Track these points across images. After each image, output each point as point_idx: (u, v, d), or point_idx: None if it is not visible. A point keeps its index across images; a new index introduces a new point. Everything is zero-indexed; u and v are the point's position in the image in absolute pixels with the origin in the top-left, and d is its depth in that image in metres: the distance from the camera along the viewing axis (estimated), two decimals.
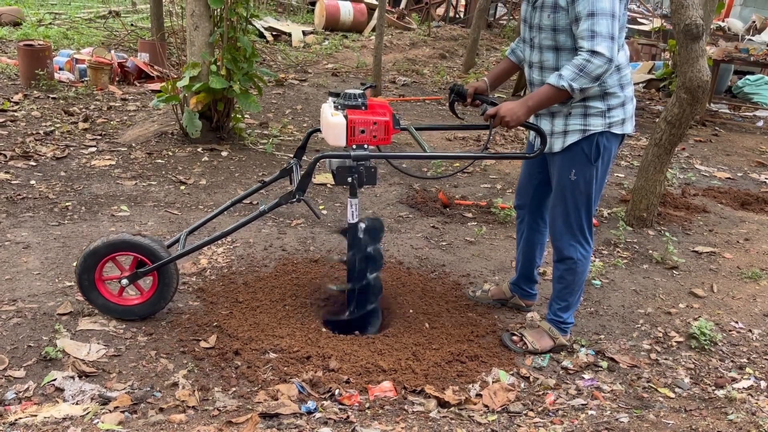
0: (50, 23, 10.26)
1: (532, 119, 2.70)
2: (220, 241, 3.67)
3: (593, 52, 2.34)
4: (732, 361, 2.98)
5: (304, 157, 2.97)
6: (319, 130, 2.78)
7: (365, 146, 2.57)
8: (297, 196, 2.64)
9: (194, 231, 3.06)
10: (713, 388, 2.76)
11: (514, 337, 2.93)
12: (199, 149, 5.26)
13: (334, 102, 2.64)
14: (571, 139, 2.59)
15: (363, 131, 2.54)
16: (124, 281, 2.78)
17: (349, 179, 2.61)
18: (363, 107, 2.59)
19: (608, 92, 2.55)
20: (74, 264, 2.86)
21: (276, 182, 3.04)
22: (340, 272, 3.37)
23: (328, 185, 4.76)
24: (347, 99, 2.59)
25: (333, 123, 2.53)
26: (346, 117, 2.53)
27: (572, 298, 2.86)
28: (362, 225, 2.79)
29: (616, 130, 2.60)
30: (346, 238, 2.83)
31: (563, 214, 2.72)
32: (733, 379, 2.82)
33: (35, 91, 6.50)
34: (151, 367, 2.55)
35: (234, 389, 2.47)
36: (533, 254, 3.11)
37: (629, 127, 2.65)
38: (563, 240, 2.76)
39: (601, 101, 2.55)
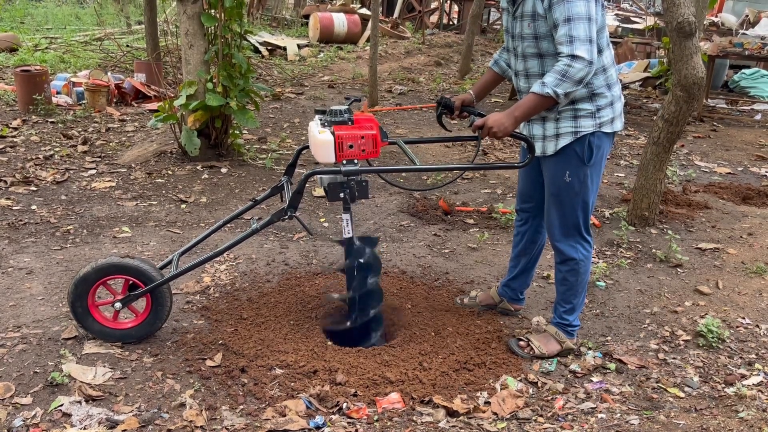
0: (46, 48, 10.33)
1: (523, 125, 2.72)
2: (222, 258, 3.68)
3: (573, 57, 2.37)
4: (741, 358, 2.96)
5: (300, 170, 2.98)
6: (308, 148, 2.79)
7: (355, 161, 2.58)
8: (289, 213, 2.66)
9: (187, 252, 3.06)
10: (723, 385, 2.74)
11: (521, 343, 2.93)
12: (199, 167, 5.27)
13: (321, 119, 2.66)
14: (564, 141, 2.61)
15: (351, 146, 2.56)
16: (118, 305, 2.75)
17: (342, 194, 2.63)
18: (349, 122, 2.61)
19: (596, 93, 2.58)
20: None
21: (274, 198, 3.04)
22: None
23: None
24: (333, 116, 2.62)
25: (321, 140, 2.54)
26: (333, 133, 2.54)
27: (576, 300, 2.86)
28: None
29: (607, 129, 2.63)
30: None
31: (560, 217, 2.73)
32: (743, 376, 2.81)
33: (33, 116, 6.53)
34: (158, 389, 2.54)
35: (241, 407, 2.46)
36: (535, 255, 3.12)
37: (618, 125, 2.69)
38: (563, 242, 2.77)
39: (589, 102, 2.58)
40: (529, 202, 3.00)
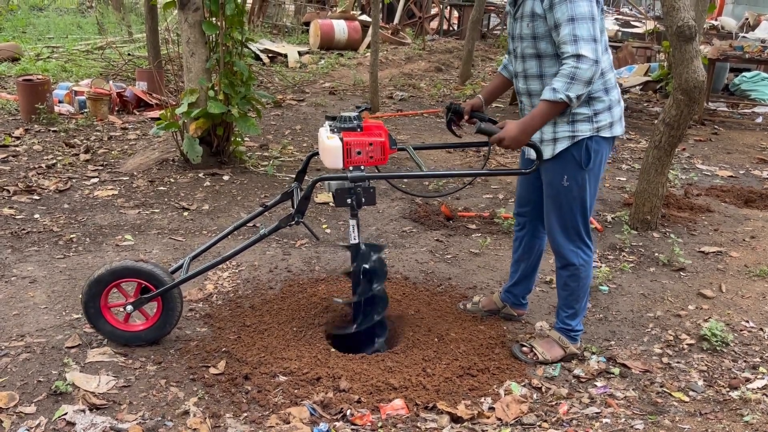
0: (48, 57, 10.36)
1: None
2: (225, 266, 3.68)
3: (578, 57, 2.37)
4: (745, 361, 2.96)
5: (308, 177, 2.99)
6: (318, 154, 2.81)
7: (362, 167, 2.60)
8: (296, 219, 2.67)
9: (198, 256, 3.07)
10: (727, 389, 2.73)
11: (524, 348, 2.92)
12: (201, 174, 5.28)
13: (330, 125, 2.68)
14: (561, 146, 2.61)
15: (359, 152, 2.58)
16: (129, 307, 2.79)
17: (348, 200, 2.64)
18: (359, 129, 2.63)
19: (593, 97, 2.57)
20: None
21: (280, 204, 3.05)
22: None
23: (330, 204, 4.77)
24: (343, 122, 2.64)
25: (329, 146, 2.56)
26: (341, 139, 2.56)
27: (578, 304, 2.86)
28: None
29: (605, 134, 2.62)
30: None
31: (560, 221, 2.73)
32: (747, 380, 2.80)
33: (36, 125, 6.55)
34: (162, 397, 2.54)
35: (245, 414, 2.46)
36: (535, 260, 3.12)
37: (618, 130, 2.68)
38: (563, 247, 2.76)
39: (586, 106, 2.57)
40: (526, 206, 3.00)
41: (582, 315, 2.90)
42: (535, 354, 2.87)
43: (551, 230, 2.78)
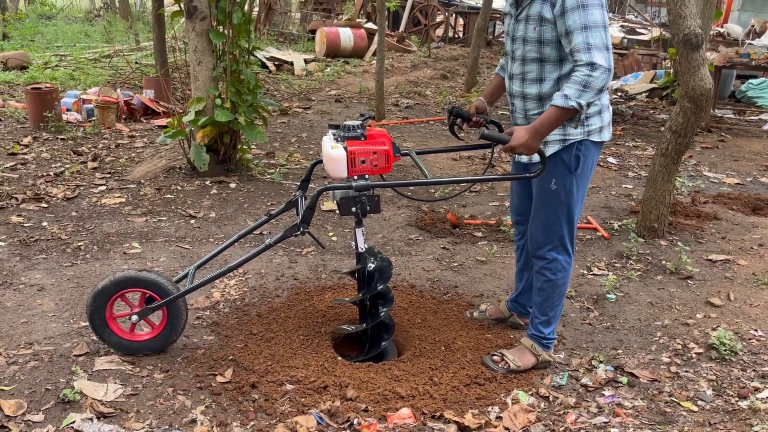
0: (56, 65, 10.44)
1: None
2: (232, 274, 3.69)
3: (591, 65, 2.35)
4: (754, 371, 2.94)
5: (312, 185, 3.00)
6: (321, 162, 2.81)
7: (366, 176, 2.59)
8: (301, 229, 2.67)
9: (203, 265, 3.08)
10: (736, 399, 2.71)
11: (495, 357, 2.90)
12: (208, 182, 5.30)
13: (334, 134, 2.67)
14: (552, 149, 2.59)
15: (363, 161, 2.57)
16: (135, 317, 2.80)
17: (353, 209, 2.64)
18: (362, 137, 2.62)
19: None
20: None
21: (286, 212, 3.06)
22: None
23: (336, 212, 4.77)
24: (346, 131, 2.63)
25: (333, 156, 2.56)
26: (346, 149, 2.56)
27: (552, 312, 2.85)
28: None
29: (595, 138, 2.61)
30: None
31: (544, 225, 2.72)
32: (756, 389, 2.78)
33: (44, 133, 6.60)
34: (169, 405, 2.55)
35: (252, 423, 2.46)
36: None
37: (606, 135, 2.67)
38: (543, 250, 2.75)
39: None
40: (522, 214, 3.00)
41: (555, 323, 2.89)
42: (507, 363, 2.85)
43: (534, 233, 2.77)
